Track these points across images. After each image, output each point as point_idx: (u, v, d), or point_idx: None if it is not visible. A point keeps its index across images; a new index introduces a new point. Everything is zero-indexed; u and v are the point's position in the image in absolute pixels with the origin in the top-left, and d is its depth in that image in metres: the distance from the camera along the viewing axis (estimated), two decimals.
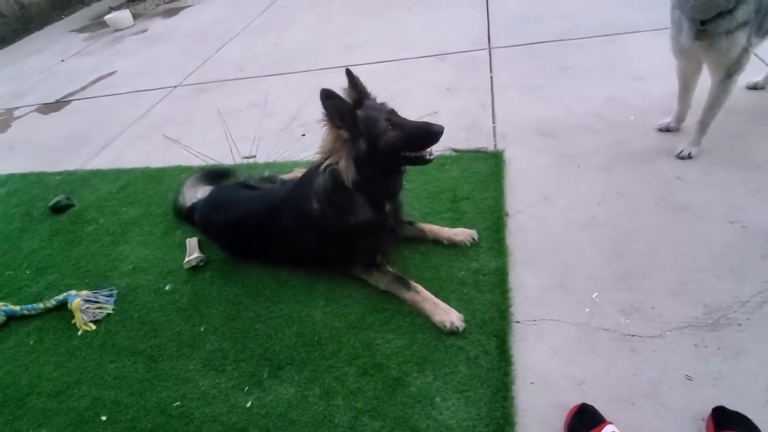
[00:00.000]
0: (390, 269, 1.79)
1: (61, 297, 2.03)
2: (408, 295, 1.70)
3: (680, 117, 2.22)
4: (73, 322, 1.95)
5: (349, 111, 1.56)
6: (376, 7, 4.95)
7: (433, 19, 4.31)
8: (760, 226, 1.72)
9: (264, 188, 2.17)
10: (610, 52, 3.04)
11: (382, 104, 1.66)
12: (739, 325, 1.44)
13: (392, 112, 1.64)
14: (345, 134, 1.58)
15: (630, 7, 3.53)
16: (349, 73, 1.63)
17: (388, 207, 1.78)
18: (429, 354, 1.54)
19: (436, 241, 1.93)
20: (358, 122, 1.56)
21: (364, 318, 1.71)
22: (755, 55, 2.41)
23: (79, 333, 1.91)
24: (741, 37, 1.75)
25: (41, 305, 2.03)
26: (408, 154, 1.62)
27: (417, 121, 1.63)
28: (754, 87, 2.39)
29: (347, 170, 1.61)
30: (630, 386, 1.35)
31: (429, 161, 1.65)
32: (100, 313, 1.97)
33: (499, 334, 1.54)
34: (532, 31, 3.59)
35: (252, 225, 1.92)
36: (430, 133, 1.58)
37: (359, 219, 1.70)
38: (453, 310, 1.61)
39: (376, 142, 1.57)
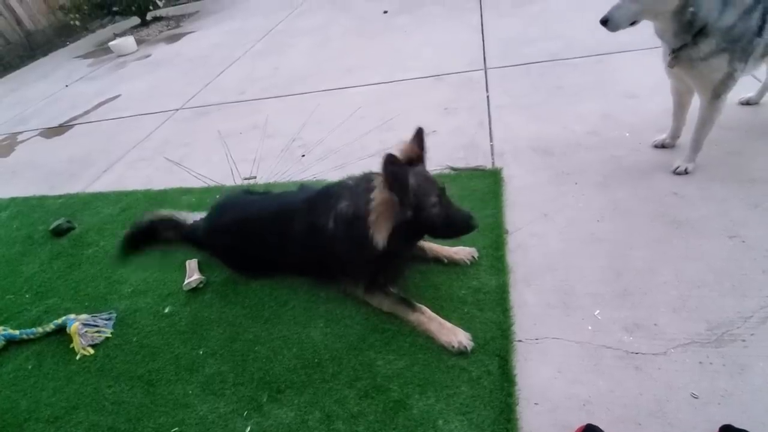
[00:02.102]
0: (393, 290, 1.78)
1: (59, 321, 2.02)
2: (413, 317, 1.68)
3: (675, 134, 2.25)
4: (71, 346, 1.93)
5: (405, 179, 1.55)
6: (373, 32, 5.07)
7: (429, 41, 4.41)
8: (760, 240, 1.72)
9: (278, 192, 2.19)
10: (603, 71, 3.11)
11: (433, 177, 1.69)
12: (743, 341, 1.42)
13: (443, 190, 1.66)
14: (396, 199, 1.57)
15: None
16: (420, 132, 1.66)
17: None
18: (431, 375, 1.52)
19: (437, 260, 1.93)
20: (409, 191, 1.56)
21: (364, 339, 1.69)
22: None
23: (78, 357, 1.89)
24: (720, 63, 1.80)
25: (40, 329, 2.02)
26: (439, 232, 1.69)
27: (461, 209, 1.67)
28: (747, 102, 2.43)
29: (381, 231, 1.59)
30: (636, 405, 1.33)
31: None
32: (99, 337, 1.95)
33: (501, 353, 1.53)
34: (526, 51, 3.67)
35: (263, 225, 1.91)
36: (467, 226, 1.64)
37: (368, 252, 1.68)
38: (459, 329, 1.60)
39: (420, 214, 1.59)
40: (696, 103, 2.06)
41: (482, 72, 3.53)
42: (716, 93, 1.88)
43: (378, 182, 1.58)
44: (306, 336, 1.76)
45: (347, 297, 1.86)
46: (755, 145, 2.18)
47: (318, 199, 1.82)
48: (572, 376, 1.44)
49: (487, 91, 3.25)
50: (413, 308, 1.69)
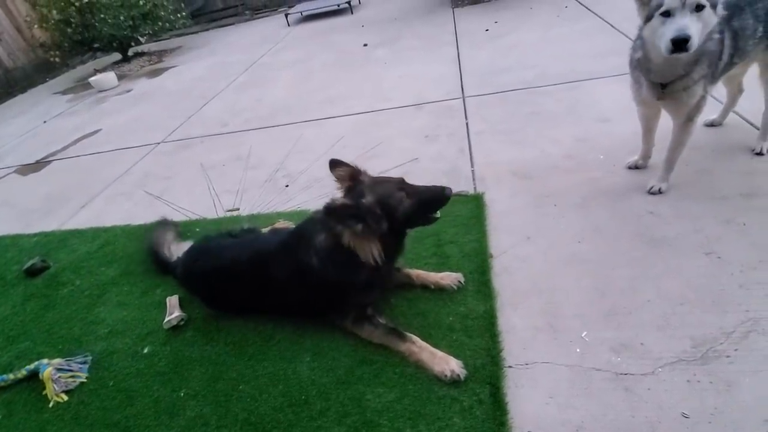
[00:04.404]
0: (381, 321, 1.75)
1: (32, 366, 1.91)
2: (404, 347, 1.65)
3: (646, 155, 2.34)
4: (44, 393, 1.83)
5: (358, 213, 1.58)
6: (354, 64, 5.21)
7: (408, 73, 4.55)
8: (734, 256, 1.77)
9: (251, 235, 2.16)
10: (575, 97, 3.23)
11: (386, 176, 1.73)
12: (727, 356, 1.44)
13: (402, 181, 1.69)
14: (360, 231, 1.59)
15: (589, 56, 3.80)
16: (334, 161, 1.70)
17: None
18: (421, 407, 1.48)
19: (424, 287, 1.92)
20: (371, 210, 1.59)
21: (352, 371, 1.65)
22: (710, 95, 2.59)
23: (51, 405, 1.79)
24: (698, 89, 1.88)
25: (11, 376, 1.92)
26: (420, 217, 1.72)
27: (428, 186, 1.71)
28: (711, 124, 2.55)
29: (377, 253, 1.63)
30: (629, 429, 1.32)
31: (436, 220, 1.74)
32: (73, 382, 1.86)
33: (492, 380, 1.51)
34: (501, 80, 3.81)
35: (238, 272, 1.89)
36: (441, 196, 1.68)
37: (359, 277, 1.69)
38: (451, 358, 1.57)
39: (394, 215, 1.62)
40: (663, 125, 2.15)
41: (460, 100, 3.64)
42: (690, 116, 1.97)
43: (338, 231, 1.62)
44: (292, 371, 1.71)
45: (335, 327, 1.82)
46: (723, 163, 2.27)
47: (293, 240, 1.82)
48: (564, 401, 1.43)
49: (466, 118, 3.34)
50: (403, 338, 1.67)
